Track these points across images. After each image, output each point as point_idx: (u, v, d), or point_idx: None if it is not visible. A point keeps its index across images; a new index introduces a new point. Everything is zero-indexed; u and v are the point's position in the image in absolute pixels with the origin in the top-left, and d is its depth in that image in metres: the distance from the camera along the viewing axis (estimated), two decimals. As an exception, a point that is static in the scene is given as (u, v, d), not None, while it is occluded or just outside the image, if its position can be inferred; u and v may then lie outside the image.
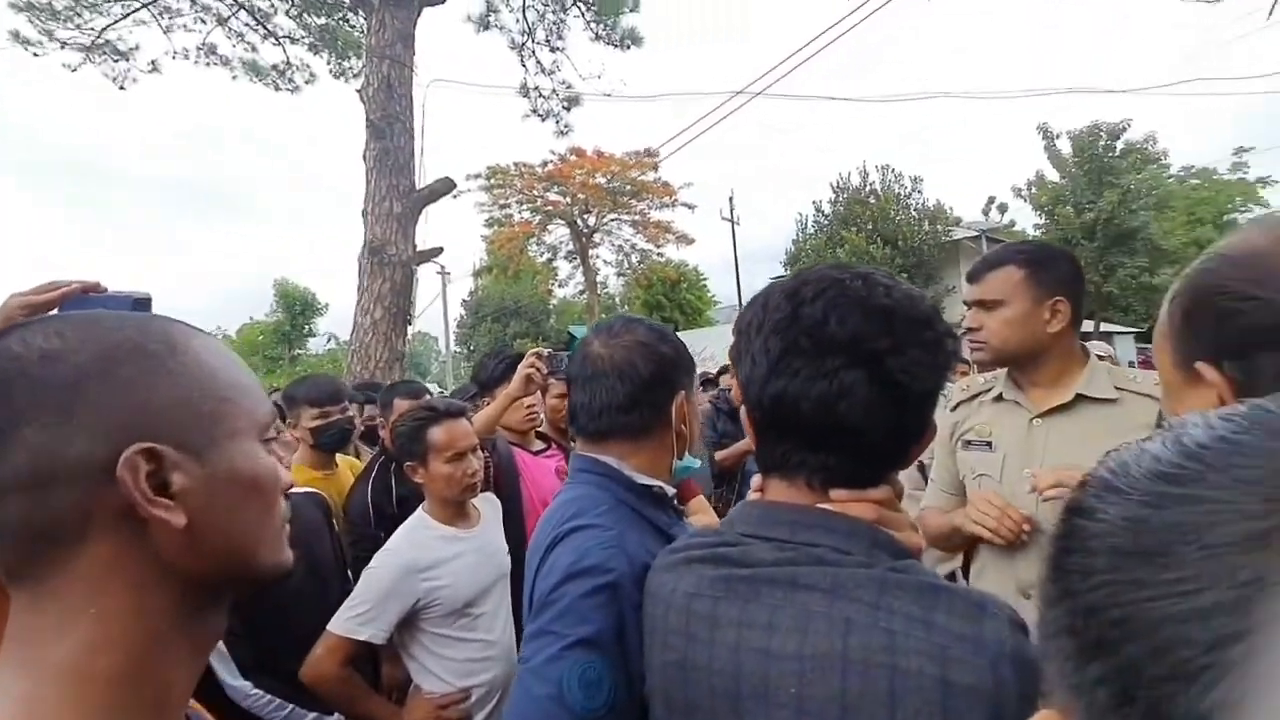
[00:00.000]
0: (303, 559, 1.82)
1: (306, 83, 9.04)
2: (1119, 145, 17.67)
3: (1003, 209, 20.07)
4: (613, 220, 25.37)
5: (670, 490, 1.00)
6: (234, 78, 8.62)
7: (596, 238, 25.86)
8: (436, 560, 1.69)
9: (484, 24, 8.12)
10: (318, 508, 1.95)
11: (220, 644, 0.63)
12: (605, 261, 27.19)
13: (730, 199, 22.63)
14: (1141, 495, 0.32)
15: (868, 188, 19.56)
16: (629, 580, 0.83)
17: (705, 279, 29.50)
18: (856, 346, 0.67)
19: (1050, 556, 0.35)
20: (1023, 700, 0.57)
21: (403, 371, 5.78)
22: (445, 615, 1.70)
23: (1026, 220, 19.89)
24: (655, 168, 22.89)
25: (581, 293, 27.80)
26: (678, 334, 1.09)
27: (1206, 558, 0.28)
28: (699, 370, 3.65)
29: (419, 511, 1.80)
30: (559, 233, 26.28)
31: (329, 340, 24.13)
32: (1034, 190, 18.68)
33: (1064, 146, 18.17)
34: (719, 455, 4.06)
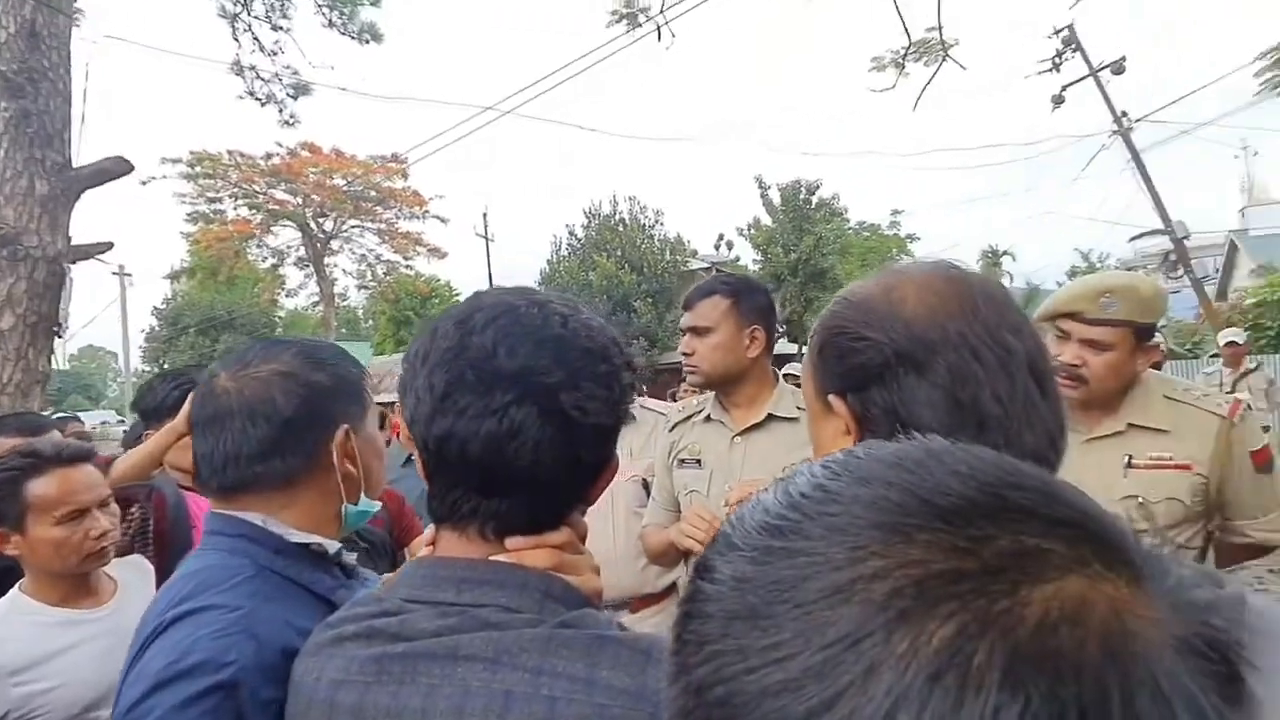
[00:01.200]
0: None
1: (-97, 10, 6.72)
2: (814, 199, 21.30)
3: (730, 245, 22.81)
4: (354, 227, 23.23)
5: (333, 546, 0.84)
6: None
7: (335, 244, 23.44)
8: (39, 656, 1.27)
9: (183, -17, 6.85)
10: None
11: None
12: (345, 271, 24.76)
13: (484, 215, 22.32)
14: (750, 550, 0.29)
15: (617, 216, 20.76)
16: (255, 673, 0.66)
17: (459, 294, 28.57)
18: (526, 380, 0.61)
19: (674, 624, 0.31)
20: None
21: (43, 397, 4.49)
22: (55, 726, 1.28)
23: (748, 256, 22.87)
24: (404, 175, 21.62)
25: (316, 304, 24.96)
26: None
27: (799, 617, 0.25)
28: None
29: (14, 591, 1.35)
30: (287, 235, 23.29)
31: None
32: (752, 231, 21.60)
33: (775, 196, 21.35)
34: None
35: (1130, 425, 1.43)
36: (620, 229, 20.41)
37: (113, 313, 20.88)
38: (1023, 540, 0.25)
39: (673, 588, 2.44)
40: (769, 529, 0.29)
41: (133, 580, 1.50)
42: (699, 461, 1.80)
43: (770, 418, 1.75)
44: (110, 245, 5.03)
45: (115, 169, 4.91)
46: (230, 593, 0.72)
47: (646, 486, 2.13)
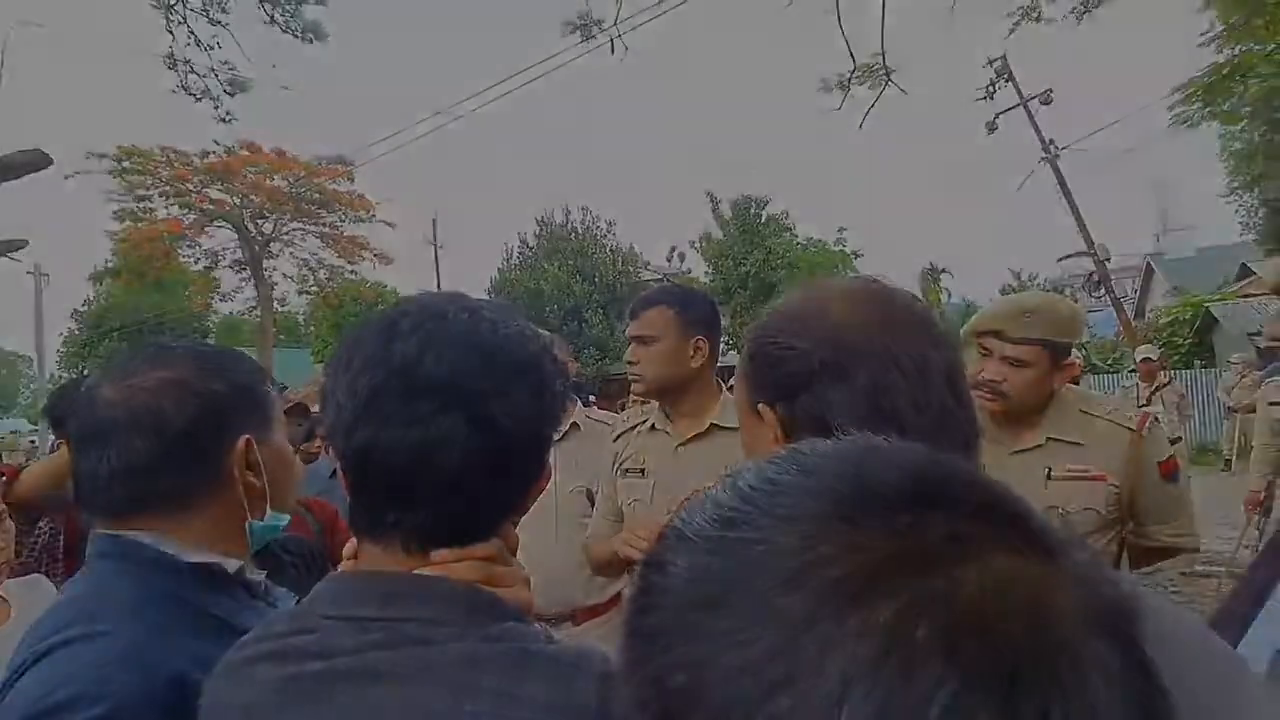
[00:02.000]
0: None
1: None
2: (764, 215, 21.76)
3: (682, 257, 23.07)
4: (296, 230, 22.39)
5: (233, 565, 0.79)
6: None
7: (274, 247, 22.50)
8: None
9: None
10: None
11: None
12: (285, 275, 23.76)
13: (434, 221, 21.94)
14: (705, 542, 0.30)
15: (569, 225, 20.72)
16: (138, 706, 0.63)
17: (407, 302, 27.76)
18: (453, 388, 0.59)
19: (624, 620, 0.32)
20: None
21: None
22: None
23: (700, 269, 23.16)
24: (350, 178, 21.02)
25: (254, 309, 23.92)
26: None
27: (757, 602, 0.27)
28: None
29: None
30: (223, 236, 22.22)
31: None
32: (704, 244, 21.90)
33: (725, 211, 21.71)
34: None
35: (1050, 439, 1.51)
36: (572, 238, 20.38)
37: (27, 315, 19.52)
38: (954, 525, 0.28)
39: (617, 598, 2.43)
40: (722, 521, 0.31)
41: (30, 602, 1.40)
42: (642, 471, 1.80)
43: (713, 427, 1.76)
44: (25, 243, 4.72)
45: (29, 162, 4.61)
46: (116, 619, 0.67)
47: (591, 497, 2.12)
